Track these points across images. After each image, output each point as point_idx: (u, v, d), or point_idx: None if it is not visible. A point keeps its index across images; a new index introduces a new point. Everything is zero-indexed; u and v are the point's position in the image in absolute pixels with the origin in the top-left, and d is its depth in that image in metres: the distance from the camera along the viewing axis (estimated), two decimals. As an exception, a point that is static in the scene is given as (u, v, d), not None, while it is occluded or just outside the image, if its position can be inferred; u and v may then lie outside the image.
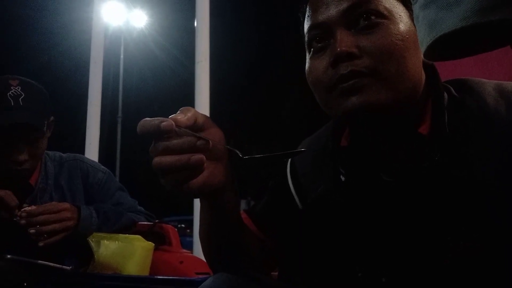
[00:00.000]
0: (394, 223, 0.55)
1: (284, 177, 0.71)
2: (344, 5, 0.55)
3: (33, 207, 1.07)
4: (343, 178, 0.60)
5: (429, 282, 0.51)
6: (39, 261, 1.03)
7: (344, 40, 0.54)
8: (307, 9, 0.60)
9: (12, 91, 1.08)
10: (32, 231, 1.03)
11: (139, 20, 13.71)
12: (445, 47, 0.37)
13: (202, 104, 3.06)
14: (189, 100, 3.39)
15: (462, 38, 0.36)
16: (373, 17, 0.54)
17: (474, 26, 0.32)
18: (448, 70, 0.59)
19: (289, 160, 0.72)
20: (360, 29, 0.55)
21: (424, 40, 0.37)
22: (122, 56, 13.49)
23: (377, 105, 0.53)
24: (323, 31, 0.57)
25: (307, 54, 0.61)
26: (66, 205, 1.09)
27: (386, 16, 0.54)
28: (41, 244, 1.04)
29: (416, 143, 0.55)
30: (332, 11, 0.56)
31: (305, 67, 0.61)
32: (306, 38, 0.60)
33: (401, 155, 0.57)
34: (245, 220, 0.69)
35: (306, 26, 0.60)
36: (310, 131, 0.74)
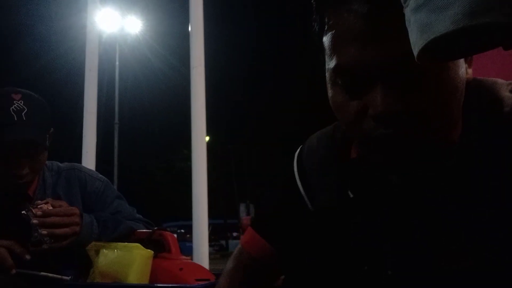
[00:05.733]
0: (401, 221, 0.54)
1: (292, 177, 0.69)
2: (388, 52, 0.46)
3: (48, 204, 1.04)
4: (351, 195, 0.58)
5: (435, 277, 0.51)
6: (38, 272, 1.03)
7: (388, 98, 0.46)
8: (331, 22, 0.50)
9: (15, 105, 1.07)
10: (44, 232, 1.01)
11: (133, 26, 13.73)
12: (437, 49, 0.37)
13: (198, 109, 3.06)
14: (185, 105, 3.39)
15: (453, 41, 0.36)
16: (423, 69, 0.45)
17: (465, 29, 0.32)
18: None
19: (296, 159, 0.69)
20: (405, 81, 0.47)
21: (416, 44, 0.37)
22: (117, 63, 13.49)
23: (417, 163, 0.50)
24: (356, 75, 0.49)
25: (329, 79, 0.53)
26: (76, 210, 1.09)
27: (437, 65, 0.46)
28: (45, 247, 1.02)
29: (445, 148, 0.52)
30: (372, 55, 0.46)
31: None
32: (329, 66, 0.52)
33: (422, 159, 0.53)
34: (251, 242, 0.70)
35: (330, 49, 0.51)
36: (307, 135, 0.74)
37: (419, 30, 0.36)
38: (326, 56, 0.53)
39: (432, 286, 0.51)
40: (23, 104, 1.08)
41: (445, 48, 0.38)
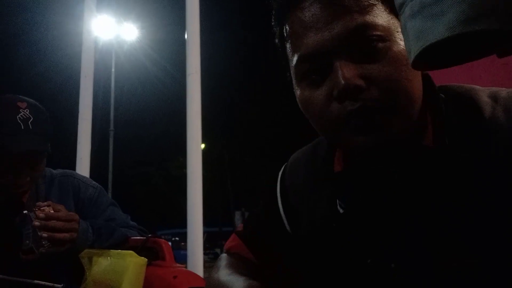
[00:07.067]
0: (400, 221, 0.54)
1: (274, 196, 0.69)
2: (339, 30, 0.50)
3: (50, 208, 1.04)
4: (341, 210, 0.57)
5: (437, 273, 0.51)
6: (30, 280, 1.01)
7: (347, 73, 0.49)
8: (288, 28, 0.55)
9: (21, 113, 1.06)
10: (44, 235, 1.00)
11: (130, 33, 13.77)
12: (432, 56, 0.37)
13: (194, 116, 3.06)
14: (181, 112, 3.39)
15: (448, 48, 0.37)
16: (373, 42, 0.50)
17: (459, 36, 0.32)
18: (435, 77, 0.59)
19: (279, 178, 0.70)
20: (362, 56, 0.50)
21: (411, 50, 0.37)
22: (113, 70, 13.50)
23: (393, 140, 0.50)
24: (317, 61, 0.52)
25: (295, 80, 0.56)
26: (76, 216, 1.08)
27: (386, 38, 0.50)
28: (43, 250, 1.01)
29: (421, 156, 0.53)
30: (325, 37, 0.50)
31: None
32: (293, 64, 0.55)
33: (403, 170, 0.54)
34: (237, 246, 0.71)
35: (291, 51, 0.55)
36: (301, 140, 0.74)
37: (414, 37, 0.36)
38: (290, 61, 0.56)
39: (435, 280, 0.51)
40: (29, 112, 1.07)
41: (440, 55, 0.38)
